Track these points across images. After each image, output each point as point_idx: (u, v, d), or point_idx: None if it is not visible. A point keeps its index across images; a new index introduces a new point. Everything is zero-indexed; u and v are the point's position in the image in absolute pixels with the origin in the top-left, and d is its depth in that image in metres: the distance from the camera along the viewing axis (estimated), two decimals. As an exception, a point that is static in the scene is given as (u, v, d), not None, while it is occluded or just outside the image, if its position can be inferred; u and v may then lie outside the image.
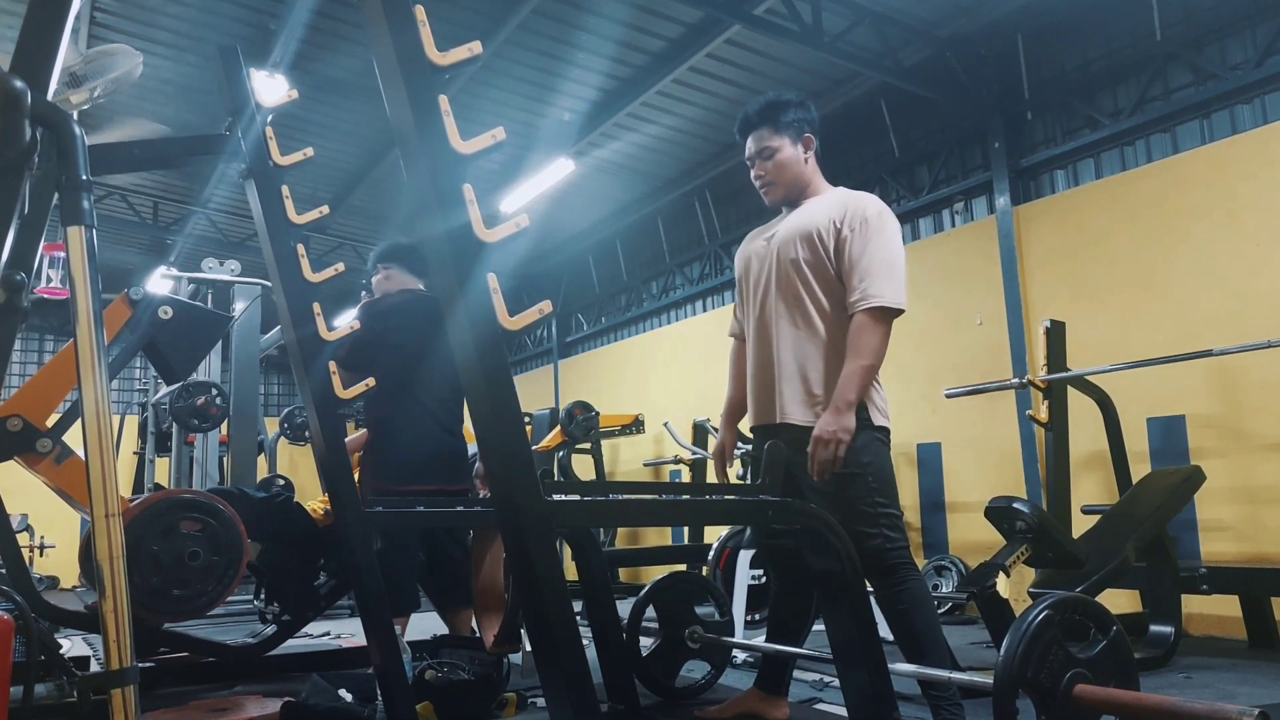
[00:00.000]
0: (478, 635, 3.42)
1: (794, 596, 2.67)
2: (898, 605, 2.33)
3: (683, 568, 6.63)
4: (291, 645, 3.78)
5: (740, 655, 3.85)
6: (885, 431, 2.43)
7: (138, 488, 9.87)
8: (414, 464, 3.38)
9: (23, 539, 9.11)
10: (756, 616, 4.40)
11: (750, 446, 3.40)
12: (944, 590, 5.35)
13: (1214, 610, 4.48)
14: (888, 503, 2.37)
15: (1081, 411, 4.67)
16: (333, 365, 2.41)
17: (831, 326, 2.42)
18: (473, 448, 3.82)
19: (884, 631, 2.36)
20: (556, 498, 1.70)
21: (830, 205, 2.46)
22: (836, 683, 2.39)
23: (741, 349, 2.73)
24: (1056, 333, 4.60)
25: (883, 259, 2.35)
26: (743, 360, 2.69)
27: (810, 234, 2.43)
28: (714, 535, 5.95)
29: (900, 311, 2.35)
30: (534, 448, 7.36)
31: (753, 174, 2.61)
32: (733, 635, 3.38)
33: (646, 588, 3.22)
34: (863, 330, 2.31)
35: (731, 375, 2.76)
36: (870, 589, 2.35)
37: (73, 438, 2.60)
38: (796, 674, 3.40)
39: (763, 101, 2.59)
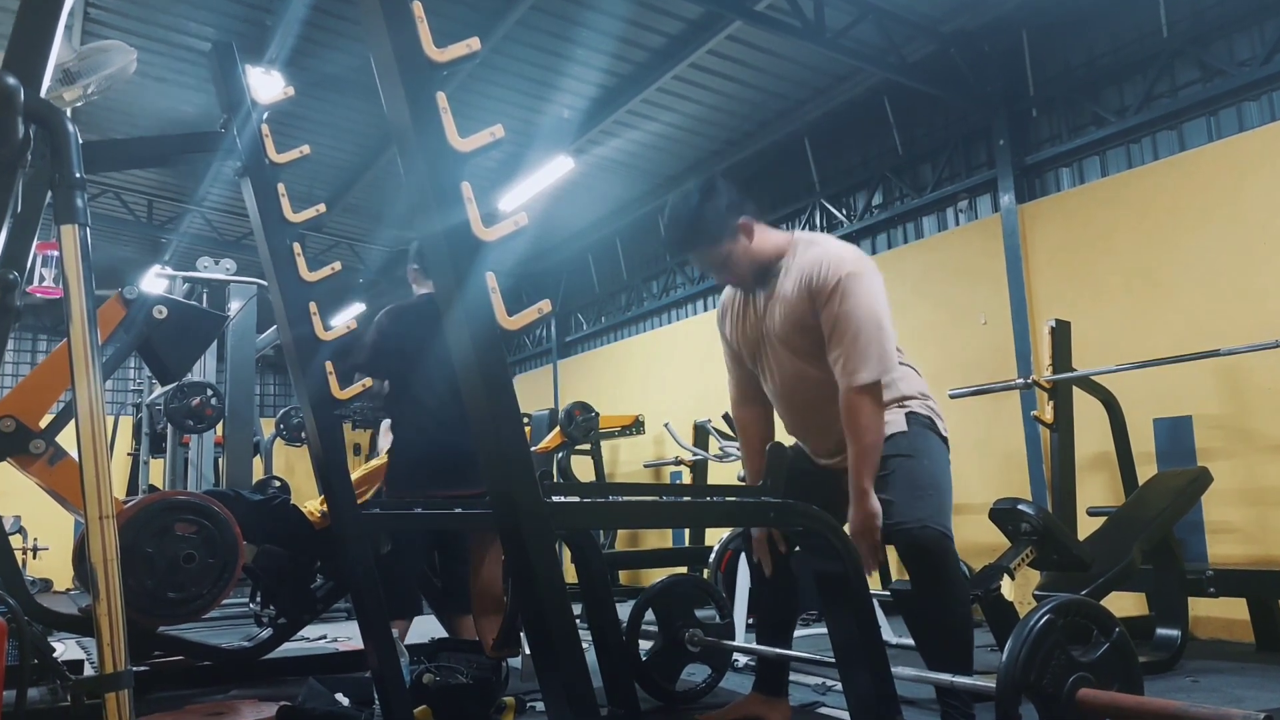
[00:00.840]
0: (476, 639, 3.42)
1: (780, 594, 2.68)
2: (936, 598, 2.33)
3: (683, 570, 6.63)
4: (288, 649, 3.78)
5: (741, 659, 3.84)
6: (933, 427, 2.47)
7: (132, 489, 9.88)
8: (431, 469, 3.40)
9: (16, 541, 9.13)
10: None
11: None
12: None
13: (1221, 613, 4.48)
14: (942, 490, 2.38)
15: (1087, 412, 4.66)
16: (329, 365, 2.41)
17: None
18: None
19: (886, 634, 2.36)
20: (556, 499, 1.70)
21: (804, 276, 2.38)
22: (839, 686, 2.39)
23: (750, 419, 2.70)
24: (1062, 332, 4.60)
25: (861, 328, 2.29)
26: (755, 432, 2.68)
27: (798, 320, 2.39)
28: (715, 537, 5.95)
29: (880, 383, 2.33)
30: (533, 449, 7.36)
31: (714, 279, 2.58)
32: (733, 638, 3.38)
33: (646, 590, 3.22)
34: (853, 411, 2.29)
35: (745, 449, 2.73)
36: (909, 578, 2.36)
37: (66, 439, 2.61)
38: (798, 678, 3.41)
39: (680, 222, 2.44)
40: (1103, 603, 3.70)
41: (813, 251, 2.40)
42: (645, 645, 3.16)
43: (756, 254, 2.45)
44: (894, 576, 4.96)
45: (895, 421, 2.43)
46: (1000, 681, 1.75)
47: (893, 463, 2.37)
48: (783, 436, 2.59)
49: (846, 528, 2.29)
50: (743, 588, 4.09)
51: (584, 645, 1.68)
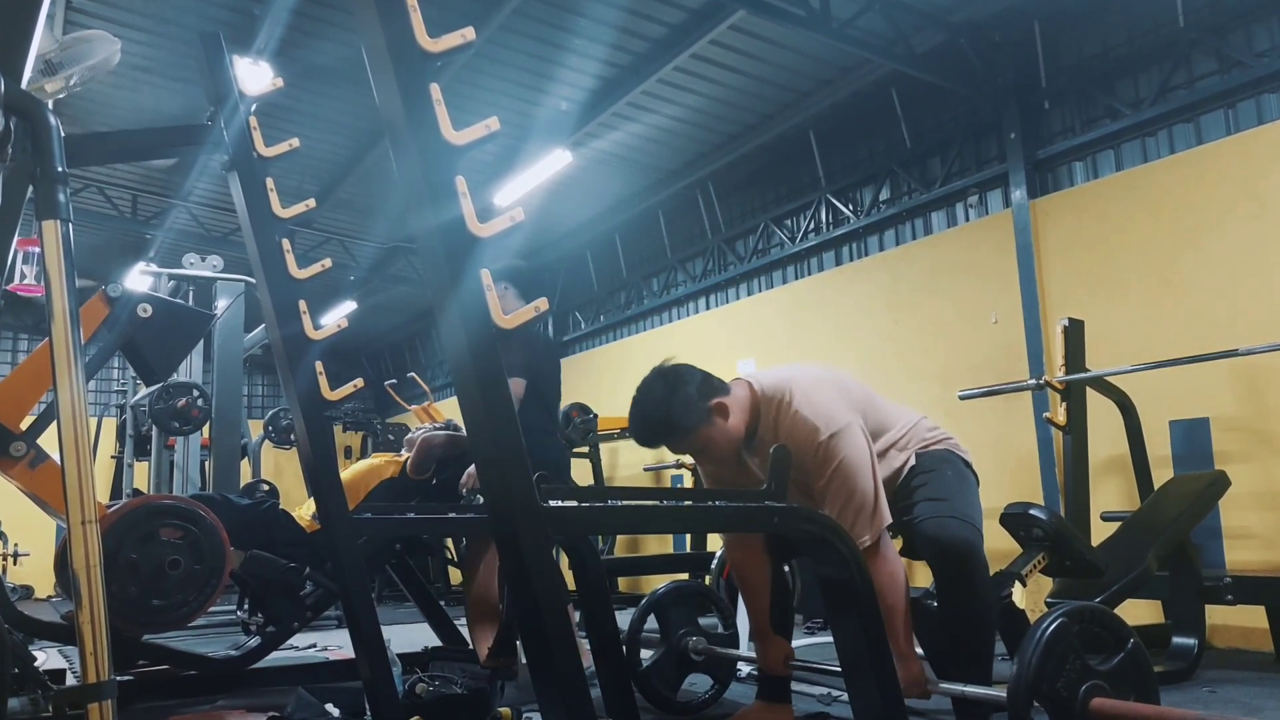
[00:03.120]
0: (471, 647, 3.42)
1: (775, 598, 2.69)
2: (971, 606, 2.36)
3: (684, 577, 6.63)
4: (276, 658, 3.78)
5: (745, 669, 3.85)
6: (953, 453, 2.57)
7: (116, 493, 9.89)
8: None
9: (-4, 547, 9.12)
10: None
11: None
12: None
13: (1239, 621, 4.48)
14: (969, 491, 2.46)
15: (1101, 414, 4.66)
16: (319, 365, 2.41)
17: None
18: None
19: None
20: (553, 504, 1.70)
21: (790, 440, 2.37)
22: (845, 696, 2.39)
23: (747, 560, 2.71)
24: (1075, 331, 4.59)
25: (848, 498, 2.34)
26: (755, 571, 2.69)
27: (798, 485, 2.42)
28: (717, 543, 5.95)
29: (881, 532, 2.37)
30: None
31: (704, 469, 2.63)
32: (737, 647, 3.38)
33: (647, 597, 3.22)
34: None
35: (745, 594, 2.74)
36: (933, 575, 2.38)
37: (48, 441, 2.61)
38: (803, 687, 3.40)
39: (652, 423, 2.45)
40: (1117, 611, 3.70)
41: (785, 419, 2.42)
42: (646, 654, 3.16)
43: (734, 430, 2.46)
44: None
45: (907, 463, 2.52)
46: (1012, 689, 1.75)
47: (918, 479, 2.45)
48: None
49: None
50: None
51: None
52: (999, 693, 1.92)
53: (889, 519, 2.37)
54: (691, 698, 3.17)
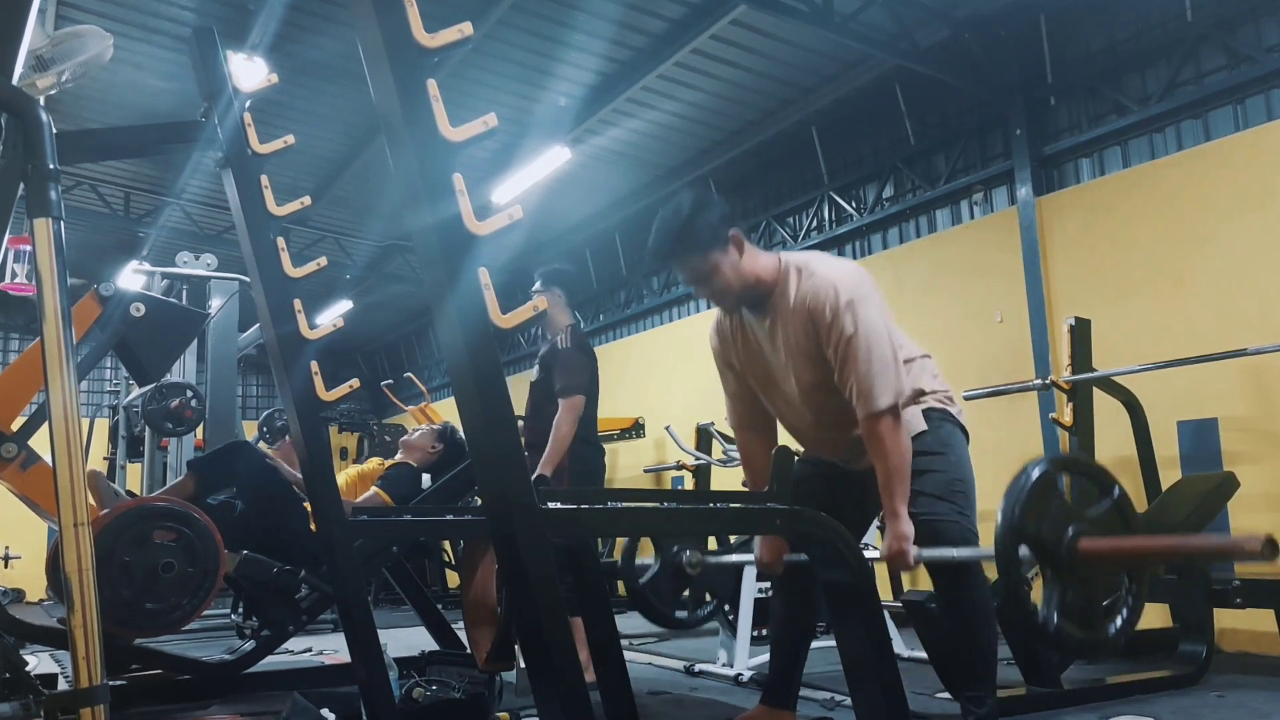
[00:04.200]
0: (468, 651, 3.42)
1: (797, 602, 2.69)
2: (969, 602, 2.37)
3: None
4: (271, 662, 3.78)
5: (747, 673, 3.85)
6: (952, 419, 2.57)
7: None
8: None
9: (-14, 549, 9.12)
10: (763, 632, 4.40)
11: None
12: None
13: (1248, 625, 4.48)
14: (969, 486, 2.45)
15: (1108, 414, 4.66)
16: (314, 365, 2.41)
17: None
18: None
19: (898, 648, 2.37)
20: (552, 505, 1.70)
21: (803, 306, 2.42)
22: (849, 702, 2.39)
23: (752, 442, 2.73)
24: (1081, 331, 4.59)
25: (869, 355, 2.34)
26: (758, 452, 2.70)
27: (805, 353, 2.44)
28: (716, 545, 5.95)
29: (897, 403, 2.38)
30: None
31: (698, 293, 2.65)
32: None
33: None
34: (875, 438, 2.35)
35: (750, 478, 2.75)
36: (935, 587, 2.40)
37: (40, 442, 2.61)
38: (806, 692, 3.41)
39: (669, 227, 2.46)
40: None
41: (808, 282, 2.44)
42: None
43: (745, 271, 2.47)
44: (905, 587, 4.97)
45: (914, 421, 2.49)
46: (998, 534, 1.76)
47: (920, 462, 2.43)
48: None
49: (875, 551, 2.35)
50: (747, 599, 4.09)
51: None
52: (985, 550, 1.93)
53: (908, 389, 2.39)
54: (690, 613, 3.18)
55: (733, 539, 3.80)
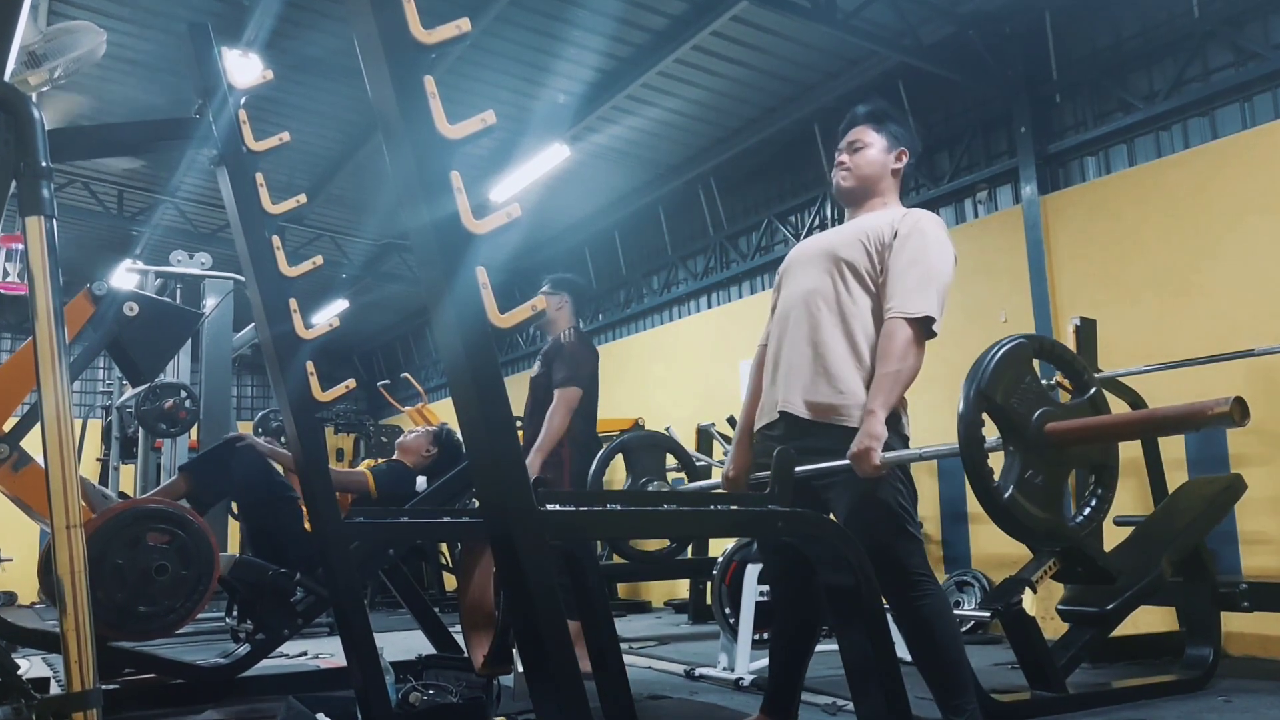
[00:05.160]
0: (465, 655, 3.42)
1: (798, 607, 2.68)
2: (919, 617, 2.35)
3: (685, 582, 6.63)
4: (266, 666, 3.78)
5: (748, 677, 3.85)
6: (906, 440, 2.50)
7: (101, 497, 9.87)
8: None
9: (-22, 552, 9.12)
10: (764, 635, 4.40)
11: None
12: (966, 608, 5.34)
13: (1256, 629, 4.48)
14: (912, 509, 2.41)
15: (1114, 415, 4.66)
16: (310, 365, 2.41)
17: (859, 330, 2.49)
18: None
19: (901, 652, 2.36)
20: (550, 507, 1.70)
21: (886, 217, 2.57)
22: (850, 706, 2.39)
23: (765, 355, 2.75)
24: (1086, 331, 4.60)
25: (922, 271, 2.43)
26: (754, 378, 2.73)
27: (860, 239, 2.55)
28: (718, 548, 5.95)
29: (931, 322, 2.42)
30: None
31: (837, 160, 2.74)
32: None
33: (613, 442, 3.24)
34: (891, 337, 2.38)
35: (750, 386, 2.78)
36: (886, 603, 2.36)
37: (32, 444, 2.61)
38: (808, 697, 3.41)
39: (873, 104, 2.75)
40: (1129, 619, 3.71)
41: (904, 209, 2.62)
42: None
43: (879, 176, 2.66)
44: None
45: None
46: (965, 396, 1.75)
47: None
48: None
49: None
50: (748, 602, 4.09)
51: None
52: (950, 446, 1.91)
53: (935, 313, 2.42)
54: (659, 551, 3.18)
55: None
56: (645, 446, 3.32)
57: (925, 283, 2.42)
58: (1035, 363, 2.18)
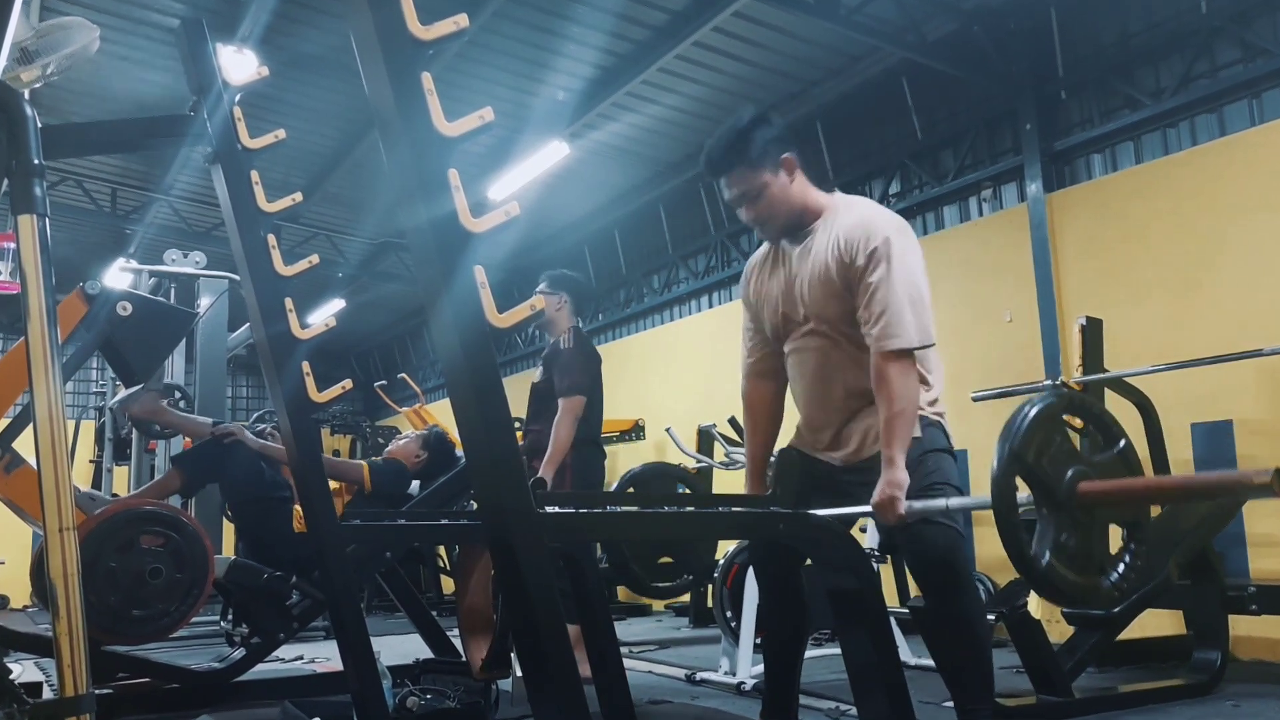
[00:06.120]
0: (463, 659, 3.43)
1: (787, 610, 2.68)
2: (962, 615, 2.33)
3: (685, 585, 6.62)
4: (261, 670, 3.78)
5: (749, 682, 3.85)
6: (952, 450, 2.51)
7: (94, 499, 9.87)
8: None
9: (-31, 555, 9.12)
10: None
11: None
12: (971, 611, 5.34)
13: (1264, 632, 4.48)
14: (953, 487, 2.40)
15: (1120, 416, 4.64)
16: (306, 366, 2.41)
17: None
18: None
19: (904, 655, 2.36)
20: (549, 509, 1.70)
21: (839, 237, 2.41)
22: (854, 711, 2.40)
23: (759, 396, 2.69)
24: (1093, 330, 4.59)
25: (900, 294, 2.31)
26: (762, 410, 2.67)
27: (828, 282, 2.42)
28: (721, 550, 5.95)
29: (928, 346, 2.36)
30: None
31: (742, 216, 2.57)
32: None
33: (626, 474, 3.23)
34: (884, 377, 2.30)
35: (749, 426, 2.71)
36: (922, 595, 2.37)
37: (24, 445, 2.61)
38: (810, 702, 3.41)
39: (724, 138, 2.51)
40: (1136, 622, 3.70)
41: (852, 214, 2.44)
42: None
43: (794, 198, 2.47)
44: (913, 594, 4.96)
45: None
46: (996, 463, 1.74)
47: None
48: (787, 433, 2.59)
49: (869, 503, 2.28)
50: (750, 605, 4.09)
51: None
52: (982, 499, 1.90)
53: (932, 339, 2.36)
54: (669, 583, 3.18)
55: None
56: (656, 477, 3.29)
57: (899, 309, 2.30)
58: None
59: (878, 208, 2.51)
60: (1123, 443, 1.83)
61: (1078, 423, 2.14)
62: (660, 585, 3.15)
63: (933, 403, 2.52)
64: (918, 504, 2.20)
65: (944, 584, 2.32)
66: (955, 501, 2.14)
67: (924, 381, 2.46)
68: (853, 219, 2.42)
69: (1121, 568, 1.82)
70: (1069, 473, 1.75)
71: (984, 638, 2.39)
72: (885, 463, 2.28)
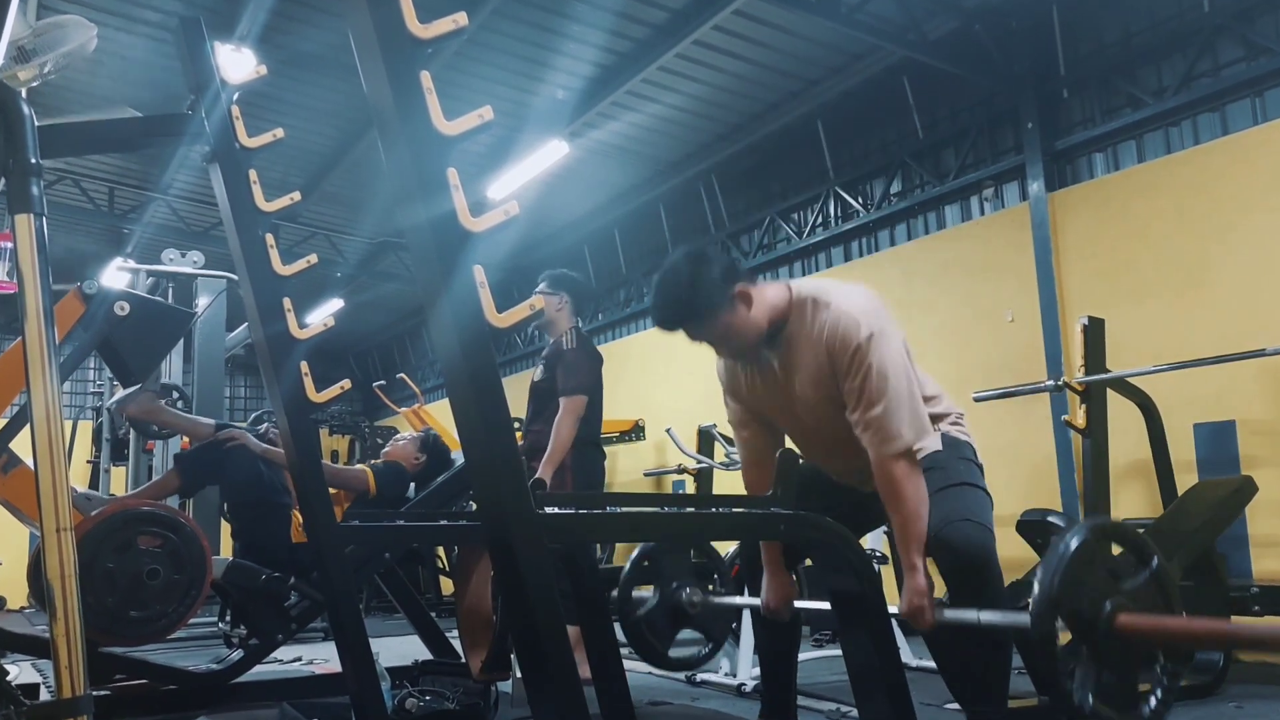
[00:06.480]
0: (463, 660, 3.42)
1: (780, 624, 2.68)
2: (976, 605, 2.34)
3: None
4: (259, 672, 3.78)
5: (750, 683, 3.85)
6: (977, 461, 2.53)
7: (92, 499, 9.87)
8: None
9: (-34, 555, 9.11)
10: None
11: None
12: (972, 612, 5.34)
13: (1267, 634, 4.48)
14: (985, 497, 2.42)
15: (1122, 417, 4.66)
16: (304, 366, 2.41)
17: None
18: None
19: (906, 657, 2.36)
20: (549, 510, 1.70)
21: (820, 342, 2.35)
22: (854, 713, 2.39)
23: (756, 438, 2.65)
24: (1095, 330, 4.59)
25: (889, 394, 2.26)
26: (759, 451, 2.63)
27: (824, 389, 2.38)
28: (721, 551, 5.95)
29: (913, 443, 2.31)
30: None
31: (718, 353, 2.53)
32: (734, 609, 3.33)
33: (641, 547, 3.22)
34: (891, 480, 2.28)
35: (750, 475, 2.68)
36: (948, 591, 2.38)
37: (21, 445, 2.61)
38: (811, 703, 3.41)
39: (668, 297, 2.36)
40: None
41: (825, 314, 2.36)
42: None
43: (758, 321, 2.38)
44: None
45: (931, 441, 2.45)
46: (1036, 607, 1.74)
47: (930, 475, 2.41)
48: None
49: (895, 607, 2.28)
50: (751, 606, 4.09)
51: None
52: (1020, 614, 1.90)
53: (930, 430, 2.32)
54: (686, 654, 3.16)
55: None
56: (671, 550, 3.26)
57: (891, 412, 2.26)
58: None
59: (846, 298, 2.40)
60: (1155, 562, 1.83)
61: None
62: (679, 658, 3.13)
63: (944, 416, 2.52)
64: (949, 612, 2.18)
65: (979, 585, 2.32)
66: (987, 615, 2.11)
67: (928, 400, 2.45)
68: (828, 317, 2.35)
69: (1160, 692, 1.82)
70: (1107, 606, 1.75)
71: (1009, 641, 2.40)
72: (906, 570, 2.27)
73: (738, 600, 3.16)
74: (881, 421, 2.26)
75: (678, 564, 3.16)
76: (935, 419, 2.47)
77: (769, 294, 2.42)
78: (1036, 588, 1.75)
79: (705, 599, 3.06)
